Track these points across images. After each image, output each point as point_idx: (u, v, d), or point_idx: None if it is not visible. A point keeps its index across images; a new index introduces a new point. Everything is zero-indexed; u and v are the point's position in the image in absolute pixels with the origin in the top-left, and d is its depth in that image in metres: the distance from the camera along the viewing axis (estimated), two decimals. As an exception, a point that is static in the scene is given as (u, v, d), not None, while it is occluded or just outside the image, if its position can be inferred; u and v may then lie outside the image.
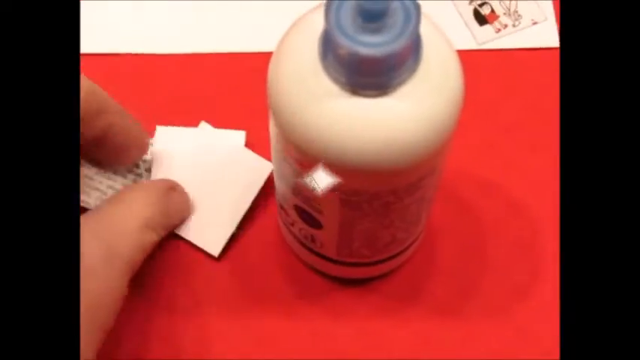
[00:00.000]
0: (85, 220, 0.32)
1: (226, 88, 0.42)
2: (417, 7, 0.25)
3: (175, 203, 0.37)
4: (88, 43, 0.42)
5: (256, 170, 0.38)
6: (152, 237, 0.34)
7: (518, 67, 0.42)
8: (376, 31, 0.25)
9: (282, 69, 0.28)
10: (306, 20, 0.28)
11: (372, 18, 0.24)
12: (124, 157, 0.37)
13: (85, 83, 0.32)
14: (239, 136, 0.39)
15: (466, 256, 0.38)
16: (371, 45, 0.24)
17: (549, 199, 0.39)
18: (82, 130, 0.32)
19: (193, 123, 0.40)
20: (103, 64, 0.41)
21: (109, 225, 0.33)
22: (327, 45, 0.26)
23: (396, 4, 0.25)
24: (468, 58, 0.40)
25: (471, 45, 0.42)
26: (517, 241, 0.38)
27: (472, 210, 0.39)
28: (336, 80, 0.26)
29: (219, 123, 0.40)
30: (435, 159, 0.29)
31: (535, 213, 0.39)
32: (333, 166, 0.27)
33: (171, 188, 0.37)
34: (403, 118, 0.26)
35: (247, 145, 0.39)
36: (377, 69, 0.25)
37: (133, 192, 0.35)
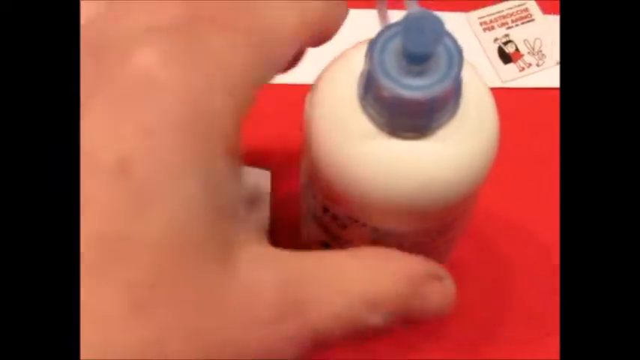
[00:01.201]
0: (283, 256, 0.23)
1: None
2: (460, 51, 0.25)
3: (433, 298, 0.26)
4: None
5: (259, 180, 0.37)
6: (375, 321, 0.24)
7: (541, 106, 0.42)
8: (420, 74, 0.25)
9: (319, 106, 0.27)
10: (345, 58, 0.28)
11: (417, 61, 0.24)
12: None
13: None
14: (264, 176, 0.38)
15: (487, 295, 0.38)
16: (415, 88, 0.24)
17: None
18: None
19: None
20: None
21: (317, 275, 0.23)
22: (369, 85, 0.26)
23: (439, 47, 0.25)
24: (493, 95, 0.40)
25: (495, 83, 0.42)
26: (539, 281, 0.38)
27: (494, 247, 0.39)
28: (375, 120, 0.26)
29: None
30: (470, 200, 0.28)
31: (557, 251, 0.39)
32: (368, 206, 0.27)
33: (438, 277, 0.26)
34: (442, 160, 0.26)
35: (272, 184, 0.38)
36: (419, 112, 0.25)
37: (377, 258, 0.25)
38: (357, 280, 0.24)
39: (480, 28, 0.44)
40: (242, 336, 0.21)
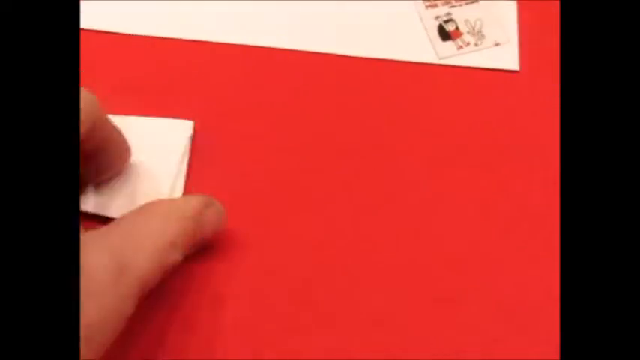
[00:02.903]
0: (100, 232, 0.30)
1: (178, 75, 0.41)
2: None
3: (209, 222, 0.34)
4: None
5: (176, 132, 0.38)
6: (175, 257, 0.32)
7: (475, 86, 0.42)
8: None
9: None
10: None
11: None
12: (109, 170, 0.35)
13: (86, 97, 0.30)
14: (186, 127, 0.39)
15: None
16: None
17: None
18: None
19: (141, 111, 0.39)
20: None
21: (127, 239, 0.30)
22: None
23: None
24: (429, 71, 0.41)
25: (432, 59, 0.43)
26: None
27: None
28: None
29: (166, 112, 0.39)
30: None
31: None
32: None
33: (208, 205, 0.34)
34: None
35: (196, 135, 0.39)
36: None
37: (163, 206, 0.32)
38: (158, 230, 0.31)
39: (423, 5, 0.44)
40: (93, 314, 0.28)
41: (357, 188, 0.39)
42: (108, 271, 0.29)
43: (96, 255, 0.29)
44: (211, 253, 0.37)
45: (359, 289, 0.37)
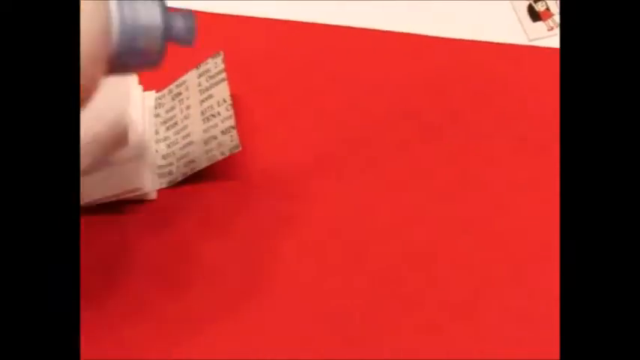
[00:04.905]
0: None
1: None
2: None
3: None
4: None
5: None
6: None
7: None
8: None
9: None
10: None
11: None
12: None
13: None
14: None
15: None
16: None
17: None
18: None
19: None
20: None
21: None
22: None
23: None
24: (518, 52, 0.39)
25: (522, 40, 0.42)
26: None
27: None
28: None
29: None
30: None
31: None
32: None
33: None
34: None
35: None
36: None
37: None
38: None
39: (512, -16, 0.43)
40: None
41: (438, 170, 0.39)
42: None
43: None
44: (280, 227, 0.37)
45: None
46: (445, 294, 0.36)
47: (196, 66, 0.40)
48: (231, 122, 0.37)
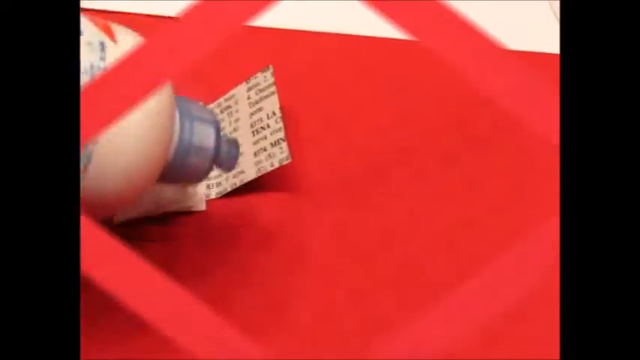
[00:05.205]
0: None
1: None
2: None
3: None
4: None
5: None
6: None
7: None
8: None
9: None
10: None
11: None
12: None
13: None
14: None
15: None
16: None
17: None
18: None
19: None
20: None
21: None
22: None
23: None
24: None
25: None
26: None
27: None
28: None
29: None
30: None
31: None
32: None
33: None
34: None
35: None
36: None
37: None
38: None
39: (556, -2, 0.44)
40: None
41: (489, 182, 0.39)
42: None
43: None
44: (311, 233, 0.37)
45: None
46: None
47: (246, 80, 0.41)
48: (281, 134, 0.38)
